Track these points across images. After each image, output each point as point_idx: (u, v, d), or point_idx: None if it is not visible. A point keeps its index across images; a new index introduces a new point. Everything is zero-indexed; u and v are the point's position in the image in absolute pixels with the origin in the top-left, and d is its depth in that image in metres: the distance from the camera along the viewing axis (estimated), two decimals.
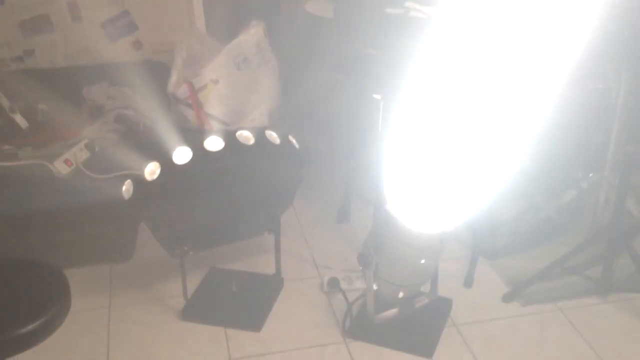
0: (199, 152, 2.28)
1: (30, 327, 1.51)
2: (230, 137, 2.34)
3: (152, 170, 2.27)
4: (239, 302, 2.43)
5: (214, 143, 2.30)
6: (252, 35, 3.14)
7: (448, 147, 2.14)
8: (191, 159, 2.25)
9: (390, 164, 2.18)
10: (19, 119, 2.86)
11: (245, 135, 2.35)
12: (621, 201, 2.31)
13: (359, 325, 2.32)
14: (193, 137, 2.39)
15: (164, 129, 2.59)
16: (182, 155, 2.27)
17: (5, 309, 1.59)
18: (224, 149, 2.30)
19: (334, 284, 2.50)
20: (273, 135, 2.41)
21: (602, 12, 2.29)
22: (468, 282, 2.53)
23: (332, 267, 2.62)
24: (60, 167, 2.59)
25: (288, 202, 2.61)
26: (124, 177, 2.35)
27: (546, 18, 2.20)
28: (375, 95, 2.56)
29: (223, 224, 2.46)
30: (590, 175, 2.63)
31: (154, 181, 2.24)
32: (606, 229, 2.37)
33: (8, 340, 1.51)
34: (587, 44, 2.30)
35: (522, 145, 2.55)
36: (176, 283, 2.43)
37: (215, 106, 3.05)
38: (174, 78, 3.06)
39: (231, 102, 3.08)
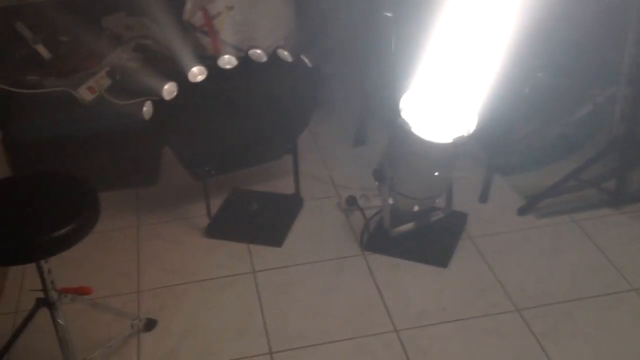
0: (213, 70, 2.33)
1: (62, 231, 1.59)
2: (243, 56, 2.38)
3: (170, 90, 2.33)
4: (261, 220, 2.52)
5: (227, 61, 2.34)
6: None
7: (458, 56, 2.16)
8: (206, 77, 2.31)
9: (404, 79, 2.21)
10: (41, 49, 2.92)
11: (258, 53, 2.39)
12: (635, 113, 2.32)
13: (376, 239, 2.40)
14: (209, 62, 2.44)
15: (181, 55, 2.63)
16: (197, 74, 2.33)
17: (40, 215, 1.67)
18: (237, 66, 2.35)
19: (351, 201, 2.57)
20: (285, 54, 2.44)
21: None
22: (483, 198, 2.58)
23: (349, 187, 2.68)
24: (84, 94, 2.67)
25: (305, 122, 2.65)
26: (145, 102, 2.42)
27: None
28: (386, 13, 2.57)
29: (242, 145, 2.52)
30: (606, 89, 2.61)
31: (172, 100, 2.30)
32: (620, 140, 2.38)
33: (43, 243, 1.59)
34: None
35: (536, 59, 2.56)
36: (200, 204, 2.53)
37: (230, 33, 3.06)
38: (189, 5, 3.07)
39: (246, 28, 3.09)
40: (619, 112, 2.52)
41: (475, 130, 2.13)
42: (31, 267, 1.75)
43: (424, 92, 2.18)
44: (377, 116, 2.94)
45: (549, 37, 2.53)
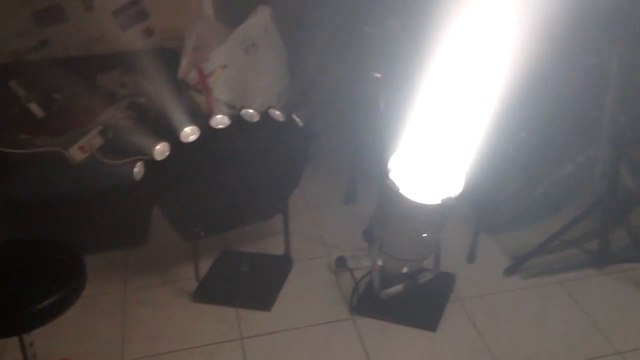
0: (206, 130, 2.36)
1: (46, 302, 1.59)
2: (235, 115, 2.42)
3: (161, 151, 2.35)
4: (250, 283, 2.53)
5: (219, 121, 2.38)
6: (260, 20, 3.20)
7: (447, 120, 2.20)
8: (198, 137, 2.34)
9: (392, 139, 2.25)
10: (34, 108, 2.95)
11: (250, 113, 2.43)
12: (615, 174, 2.35)
13: (365, 302, 2.40)
14: (202, 120, 2.47)
15: (174, 114, 2.67)
16: (189, 134, 2.35)
17: (23, 286, 1.66)
18: (229, 126, 2.38)
19: (341, 262, 2.58)
20: (277, 113, 2.48)
21: None
22: (471, 257, 2.60)
23: (340, 246, 2.69)
24: (76, 154, 2.69)
25: (296, 181, 2.68)
26: (137, 162, 2.44)
27: None
28: (375, 74, 2.62)
29: (233, 206, 2.54)
30: (586, 148, 2.65)
31: (163, 161, 2.32)
32: (602, 201, 2.41)
33: (25, 316, 1.58)
34: (580, 19, 2.34)
35: (520, 119, 2.61)
36: (189, 266, 2.52)
37: (224, 91, 3.11)
38: (184, 64, 3.13)
39: (240, 86, 3.14)
40: (600, 172, 2.56)
41: (462, 191, 2.16)
42: (12, 338, 1.73)
43: (412, 153, 2.22)
44: (367, 173, 2.97)
45: (532, 98, 2.58)
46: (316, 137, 2.66)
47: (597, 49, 2.51)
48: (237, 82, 3.14)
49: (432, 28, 2.36)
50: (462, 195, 2.16)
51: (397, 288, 2.40)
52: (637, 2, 2.31)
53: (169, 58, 3.24)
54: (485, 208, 2.66)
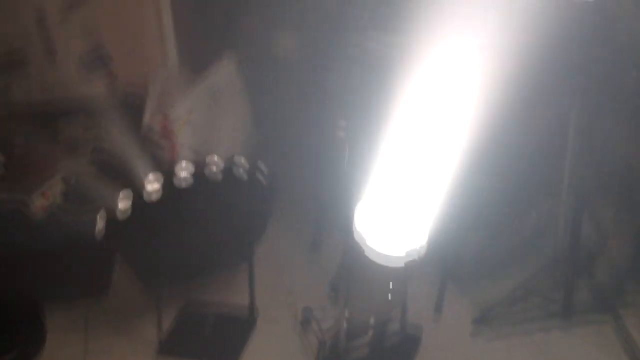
0: (169, 189, 2.34)
1: (6, 358, 1.54)
2: (198, 174, 2.41)
3: (123, 209, 2.33)
4: (214, 338, 2.48)
5: (183, 180, 2.37)
6: (225, 68, 3.22)
7: (411, 171, 2.23)
8: (161, 197, 2.32)
9: (357, 194, 2.26)
10: None
11: (214, 172, 2.43)
12: (578, 225, 2.40)
13: (331, 358, 2.37)
14: (165, 170, 2.45)
15: (138, 162, 2.64)
16: (151, 192, 2.34)
17: None
18: (192, 185, 2.37)
19: (307, 313, 2.55)
20: (240, 171, 2.47)
21: (551, 41, 2.39)
22: (438, 308, 2.60)
23: (305, 297, 2.67)
24: (37, 200, 2.63)
25: (260, 233, 2.67)
26: (99, 210, 2.40)
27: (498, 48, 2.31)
28: (339, 124, 2.65)
29: (197, 257, 2.51)
30: (550, 201, 2.71)
31: (126, 219, 2.29)
32: (565, 253, 2.45)
33: None
34: (540, 71, 2.41)
35: (483, 171, 2.66)
36: (152, 317, 2.46)
37: (188, 137, 3.10)
38: (148, 110, 3.11)
39: (204, 133, 3.14)
40: (563, 224, 2.61)
41: (427, 245, 2.17)
42: None
43: (377, 205, 2.24)
44: (332, 222, 2.97)
45: (495, 150, 2.63)
46: (280, 189, 2.66)
47: (557, 100, 2.57)
48: (202, 129, 3.14)
49: (394, 80, 2.41)
50: (427, 249, 2.17)
51: (364, 344, 2.38)
52: (597, 55, 2.38)
53: (134, 105, 3.22)
54: (451, 260, 2.68)
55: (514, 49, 2.37)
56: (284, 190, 2.91)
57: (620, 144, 2.69)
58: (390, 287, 2.19)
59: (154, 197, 2.31)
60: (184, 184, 2.35)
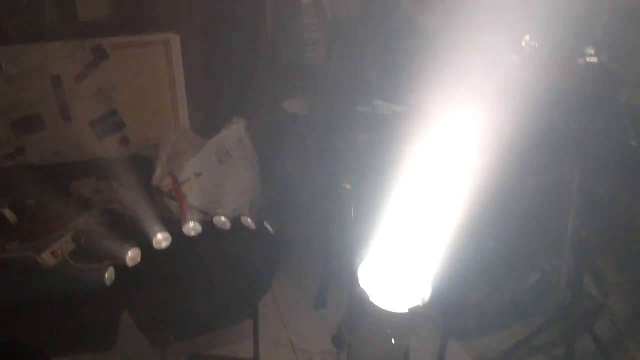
0: (178, 237, 2.40)
1: None
2: (207, 223, 2.47)
3: (133, 257, 2.39)
4: None
5: (192, 229, 2.43)
6: (234, 130, 3.32)
7: (415, 230, 2.29)
8: (171, 245, 2.38)
9: (362, 247, 2.32)
10: (7, 213, 2.96)
11: (223, 221, 2.49)
12: (579, 284, 2.43)
13: None
14: (175, 226, 2.52)
15: (148, 220, 2.71)
16: (162, 240, 2.40)
17: None
18: (202, 234, 2.43)
19: None
20: (248, 221, 2.54)
21: (554, 104, 2.50)
22: None
23: (309, 351, 2.69)
24: (48, 259, 2.68)
25: (266, 287, 2.71)
26: (108, 267, 2.46)
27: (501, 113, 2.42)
28: (346, 185, 2.73)
29: (203, 311, 2.54)
30: (552, 258, 2.76)
31: (135, 267, 2.35)
32: (567, 310, 2.48)
33: None
34: (544, 139, 2.51)
35: (486, 228, 2.72)
36: None
37: (197, 198, 3.17)
38: (158, 172, 3.20)
39: (213, 193, 3.21)
40: (565, 281, 2.64)
41: (430, 299, 2.21)
42: None
43: (382, 261, 2.29)
44: (337, 280, 3.01)
45: (498, 208, 2.70)
46: (288, 242, 2.73)
47: (560, 165, 2.65)
48: (210, 190, 3.22)
49: (399, 143, 2.51)
50: (430, 302, 2.21)
51: None
52: (596, 124, 2.48)
53: (144, 166, 3.31)
54: (453, 314, 2.70)
55: (516, 111, 2.48)
56: (289, 245, 2.97)
57: (621, 204, 2.76)
58: (394, 335, 2.21)
59: (164, 245, 2.37)
60: (193, 233, 2.41)
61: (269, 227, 2.60)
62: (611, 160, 2.45)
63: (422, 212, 2.37)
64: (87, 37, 3.38)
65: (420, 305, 2.17)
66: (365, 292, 2.19)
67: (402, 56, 2.98)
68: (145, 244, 2.40)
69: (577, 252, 2.47)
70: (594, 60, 2.40)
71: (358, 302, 2.22)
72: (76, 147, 3.45)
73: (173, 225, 2.60)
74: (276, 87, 3.52)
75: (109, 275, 2.40)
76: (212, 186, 3.22)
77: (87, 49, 3.38)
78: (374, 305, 2.16)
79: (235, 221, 2.53)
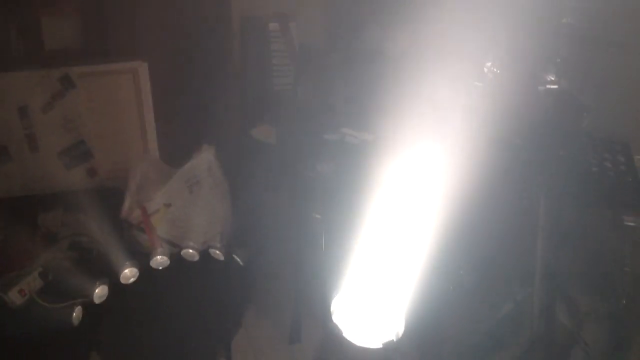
0: (146, 271, 2.37)
1: None
2: (176, 256, 2.45)
3: (100, 294, 2.35)
4: None
5: (159, 262, 2.40)
6: (204, 159, 3.29)
7: (387, 260, 2.29)
8: (138, 278, 2.35)
9: (334, 281, 2.31)
10: None
11: (190, 254, 2.47)
12: (551, 314, 2.43)
13: None
14: (144, 259, 2.49)
15: (116, 254, 2.68)
16: (129, 276, 2.37)
17: None
18: (169, 267, 2.41)
19: None
20: (217, 253, 2.52)
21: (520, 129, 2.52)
22: None
23: None
24: (14, 297, 2.63)
25: (238, 321, 2.68)
26: (76, 305, 2.42)
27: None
28: (315, 214, 2.72)
29: (174, 348, 2.51)
30: (524, 287, 2.76)
31: (102, 304, 2.32)
32: (540, 341, 2.47)
33: None
34: (510, 167, 2.52)
35: (458, 258, 2.72)
36: None
37: (167, 229, 3.13)
38: (127, 203, 3.16)
39: (183, 224, 3.18)
40: (537, 310, 2.64)
41: (404, 332, 2.20)
42: None
43: (354, 294, 2.27)
44: (311, 314, 2.98)
45: (469, 238, 2.70)
46: (259, 277, 2.71)
47: (528, 194, 2.66)
48: (180, 220, 3.18)
49: (368, 171, 2.51)
50: (404, 336, 2.20)
51: None
52: (558, 150, 2.49)
53: (113, 197, 3.28)
54: (428, 348, 2.69)
55: (481, 138, 2.49)
56: (261, 277, 2.95)
57: (589, 231, 2.77)
58: None
59: (131, 280, 2.34)
60: (160, 267, 2.39)
61: (238, 259, 2.58)
62: (576, 187, 2.47)
63: (393, 241, 2.36)
64: (54, 66, 3.35)
65: (394, 339, 2.16)
66: (338, 328, 2.18)
67: (369, 83, 2.99)
68: (113, 280, 2.37)
69: (546, 281, 2.48)
70: (554, 86, 2.43)
71: (331, 338, 2.20)
72: (43, 178, 3.40)
73: (142, 258, 2.57)
74: (245, 114, 3.52)
75: (77, 314, 2.37)
76: (182, 217, 3.18)
77: (53, 78, 3.35)
78: (348, 341, 2.15)
79: (204, 253, 2.51)
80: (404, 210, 2.43)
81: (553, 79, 2.44)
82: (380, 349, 2.15)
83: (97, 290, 2.37)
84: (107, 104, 3.47)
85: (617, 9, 3.24)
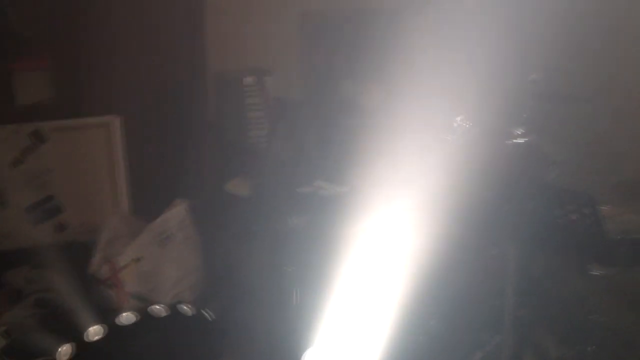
0: (112, 329, 2.30)
1: None
2: (143, 311, 2.38)
3: (65, 352, 2.27)
4: None
5: (126, 318, 2.34)
6: (176, 213, 3.27)
7: (359, 315, 2.26)
8: (105, 335, 2.27)
9: (306, 335, 2.27)
10: None
11: (158, 309, 2.41)
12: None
13: None
14: (111, 315, 2.42)
15: (82, 311, 2.61)
16: (94, 333, 2.29)
17: None
18: (137, 324, 2.34)
19: None
20: (185, 308, 2.46)
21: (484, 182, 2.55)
22: None
23: None
24: None
25: None
26: None
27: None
28: (287, 268, 2.69)
29: None
30: (493, 336, 2.74)
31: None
32: None
33: None
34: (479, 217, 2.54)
35: (429, 308, 2.70)
36: None
37: (136, 284, 3.08)
38: (96, 258, 3.11)
39: (153, 279, 3.13)
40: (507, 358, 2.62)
41: None
42: None
43: (326, 349, 2.23)
44: None
45: (439, 287, 2.69)
46: (227, 332, 2.64)
47: (497, 243, 2.68)
48: (150, 275, 3.13)
49: (341, 224, 2.50)
50: None
51: None
52: (526, 202, 2.52)
53: (82, 252, 3.21)
54: None
55: (452, 190, 2.51)
56: (232, 332, 2.87)
57: (558, 280, 2.79)
58: None
59: (97, 338, 2.27)
60: (127, 323, 2.32)
61: (208, 313, 2.52)
62: (543, 238, 2.49)
63: (365, 293, 2.35)
64: (25, 121, 3.33)
65: None
66: None
67: (343, 136, 3.02)
68: (78, 338, 2.29)
69: (515, 330, 2.46)
70: (522, 140, 2.48)
71: None
72: (10, 234, 3.33)
73: (109, 314, 2.50)
74: (219, 168, 3.51)
75: None
76: (152, 271, 3.13)
77: (24, 133, 3.32)
78: None
79: (172, 308, 2.45)
80: (375, 260, 2.42)
81: (520, 133, 2.49)
82: None
83: (61, 350, 2.28)
84: (78, 159, 3.44)
85: (583, 65, 3.36)
